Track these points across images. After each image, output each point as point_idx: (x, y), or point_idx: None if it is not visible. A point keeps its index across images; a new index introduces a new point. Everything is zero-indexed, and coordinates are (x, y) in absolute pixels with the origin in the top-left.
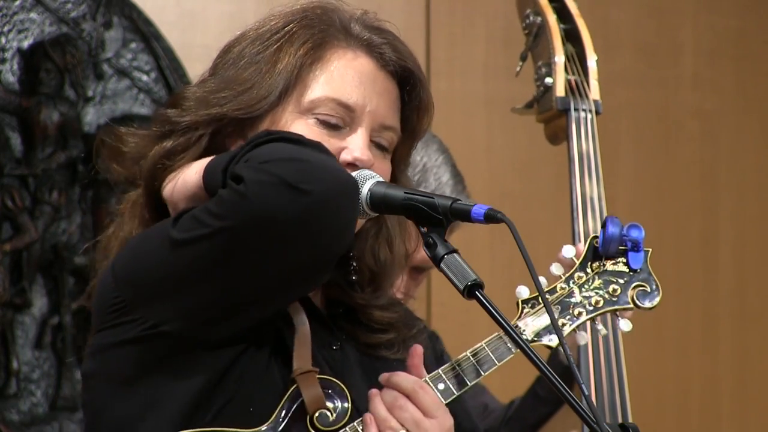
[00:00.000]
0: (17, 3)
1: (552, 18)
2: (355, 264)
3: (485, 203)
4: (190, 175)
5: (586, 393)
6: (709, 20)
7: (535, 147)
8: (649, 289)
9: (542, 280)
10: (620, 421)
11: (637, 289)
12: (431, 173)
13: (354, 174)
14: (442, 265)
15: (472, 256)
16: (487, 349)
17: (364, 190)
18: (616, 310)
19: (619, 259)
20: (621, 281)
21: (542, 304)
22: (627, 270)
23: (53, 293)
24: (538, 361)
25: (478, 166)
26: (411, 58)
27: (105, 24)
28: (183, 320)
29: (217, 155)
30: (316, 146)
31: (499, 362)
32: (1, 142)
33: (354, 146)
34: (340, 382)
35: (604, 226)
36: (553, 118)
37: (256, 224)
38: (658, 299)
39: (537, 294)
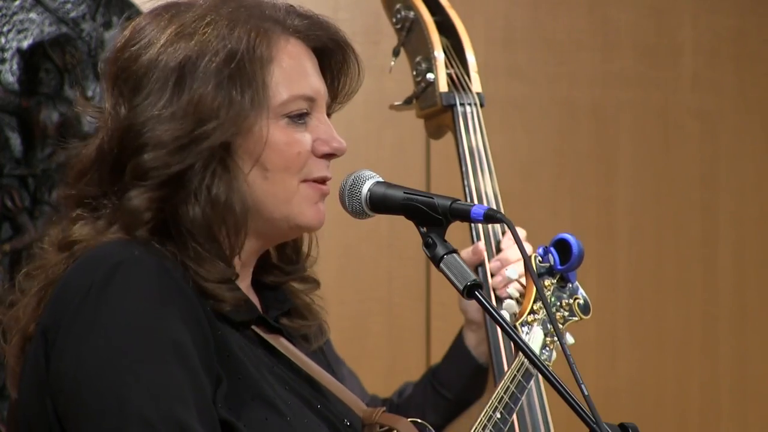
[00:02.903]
0: (17, 3)
1: (426, 12)
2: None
3: None
4: None
5: (586, 393)
6: (709, 20)
7: (535, 147)
8: (582, 301)
9: (512, 302)
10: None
11: (576, 301)
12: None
13: (354, 174)
14: (441, 265)
15: None
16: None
17: (364, 190)
18: (571, 322)
19: (555, 275)
20: (565, 295)
21: (525, 324)
22: (565, 284)
23: None
24: (538, 362)
25: None
26: (337, 29)
27: (105, 24)
28: None
29: None
30: None
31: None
32: (0, 142)
33: (327, 136)
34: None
35: (558, 244)
36: (436, 113)
37: None
38: (591, 308)
39: (521, 315)
